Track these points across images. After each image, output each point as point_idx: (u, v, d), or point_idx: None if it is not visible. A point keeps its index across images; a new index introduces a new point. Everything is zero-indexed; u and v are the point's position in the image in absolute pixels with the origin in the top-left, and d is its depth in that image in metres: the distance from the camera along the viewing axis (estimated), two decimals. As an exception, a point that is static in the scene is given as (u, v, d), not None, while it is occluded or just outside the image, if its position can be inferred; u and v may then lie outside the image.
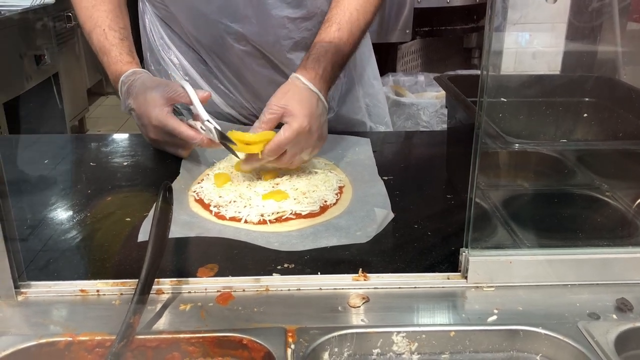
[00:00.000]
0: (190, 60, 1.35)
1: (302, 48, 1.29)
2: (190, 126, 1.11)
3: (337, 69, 1.18)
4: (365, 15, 1.20)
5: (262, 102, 1.32)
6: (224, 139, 1.07)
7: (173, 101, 1.13)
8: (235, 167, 1.12)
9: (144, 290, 0.72)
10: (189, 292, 0.80)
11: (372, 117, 1.50)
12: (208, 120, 1.08)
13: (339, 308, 0.77)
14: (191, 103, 1.11)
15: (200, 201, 1.04)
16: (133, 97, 1.15)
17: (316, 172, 1.12)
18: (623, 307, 0.75)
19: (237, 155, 1.09)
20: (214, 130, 1.07)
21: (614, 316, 0.75)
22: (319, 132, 1.09)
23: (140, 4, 1.38)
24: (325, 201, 1.03)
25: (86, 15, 1.24)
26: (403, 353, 0.72)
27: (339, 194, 1.06)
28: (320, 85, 1.12)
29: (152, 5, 1.34)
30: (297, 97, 1.08)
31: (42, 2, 3.69)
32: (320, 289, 0.81)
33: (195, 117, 1.12)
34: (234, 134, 1.04)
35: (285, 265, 0.85)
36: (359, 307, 0.77)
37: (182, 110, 1.25)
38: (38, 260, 0.87)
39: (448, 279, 0.82)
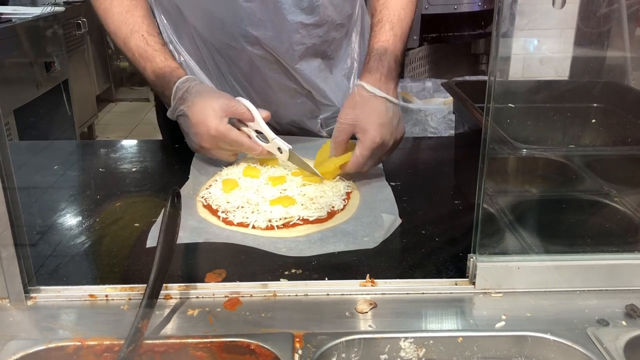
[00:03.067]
0: (199, 64, 1.35)
1: (312, 54, 1.30)
2: (248, 136, 1.15)
3: (398, 65, 1.22)
4: (410, 14, 1.27)
5: (271, 106, 1.33)
6: (293, 161, 1.13)
7: (233, 115, 1.15)
8: (243, 172, 1.13)
9: (152, 295, 0.72)
10: (197, 297, 0.80)
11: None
12: (274, 139, 1.14)
13: (347, 313, 0.77)
14: (252, 120, 1.15)
15: (208, 207, 1.04)
16: (188, 104, 1.16)
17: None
18: (632, 313, 0.75)
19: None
20: (287, 152, 1.13)
21: (623, 322, 0.74)
22: (394, 138, 1.12)
23: (150, 5, 1.39)
24: (333, 207, 1.03)
25: (120, 20, 1.24)
26: (411, 359, 0.72)
27: (346, 200, 1.06)
28: (387, 86, 1.15)
29: (163, 7, 1.35)
30: (365, 108, 1.11)
31: (52, 10, 3.73)
32: (328, 294, 0.81)
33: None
34: (327, 165, 1.10)
35: (293, 271, 0.86)
36: (367, 312, 0.77)
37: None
38: (47, 265, 0.88)
39: (456, 284, 0.82)
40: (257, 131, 1.15)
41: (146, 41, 1.23)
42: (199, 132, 1.15)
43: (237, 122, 1.15)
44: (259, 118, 1.14)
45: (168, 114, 1.22)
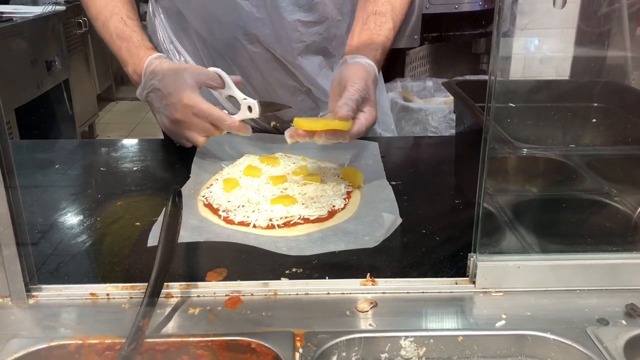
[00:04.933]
0: (199, 64, 1.36)
1: (312, 52, 1.31)
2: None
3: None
4: (404, 16, 1.30)
5: None
6: (266, 111, 1.13)
7: (204, 84, 1.16)
8: (244, 172, 1.13)
9: (154, 294, 0.73)
10: (198, 296, 0.80)
11: (379, 124, 1.50)
12: (245, 99, 1.14)
13: (347, 312, 0.77)
14: (223, 87, 1.16)
15: (209, 206, 1.04)
16: (159, 78, 1.17)
17: (324, 177, 1.13)
18: (632, 312, 0.75)
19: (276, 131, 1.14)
20: (256, 105, 1.13)
21: (623, 322, 0.75)
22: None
23: (150, 6, 1.40)
24: (334, 206, 1.03)
25: (101, 4, 1.27)
26: (411, 358, 0.72)
27: (347, 199, 1.06)
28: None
29: (163, 8, 1.36)
30: (375, 87, 1.14)
31: (53, 8, 3.73)
32: (329, 293, 0.81)
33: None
34: (325, 123, 1.02)
35: (294, 270, 0.86)
36: (367, 311, 0.77)
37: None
38: (49, 264, 0.88)
39: (456, 283, 0.82)
40: (230, 96, 1.17)
41: (125, 23, 1.25)
42: (170, 102, 1.15)
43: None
44: (229, 82, 1.16)
45: (137, 93, 1.23)
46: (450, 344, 0.72)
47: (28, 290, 0.79)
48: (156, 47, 1.39)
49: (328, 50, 1.34)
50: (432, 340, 0.72)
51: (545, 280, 0.81)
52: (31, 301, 0.79)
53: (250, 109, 1.15)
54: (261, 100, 1.16)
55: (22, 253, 0.76)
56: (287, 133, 1.02)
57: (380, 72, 1.51)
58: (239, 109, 1.16)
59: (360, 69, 1.13)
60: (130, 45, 1.23)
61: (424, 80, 3.04)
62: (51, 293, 0.80)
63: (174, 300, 0.79)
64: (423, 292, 0.81)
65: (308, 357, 0.67)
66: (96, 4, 1.28)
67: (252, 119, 1.20)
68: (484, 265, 0.80)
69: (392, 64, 3.05)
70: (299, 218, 0.99)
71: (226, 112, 1.15)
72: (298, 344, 0.69)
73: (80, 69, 4.23)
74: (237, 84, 1.17)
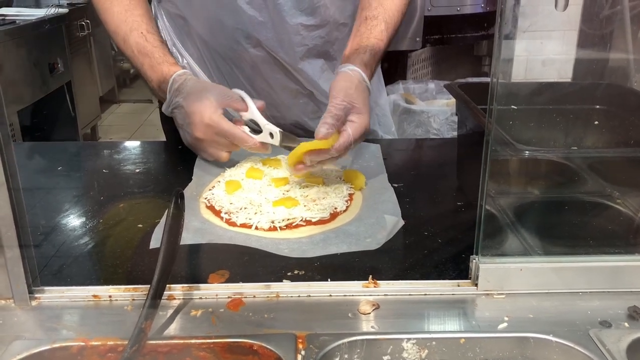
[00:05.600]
0: (202, 66, 1.36)
1: (314, 55, 1.31)
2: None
3: (377, 68, 1.24)
4: (401, 18, 1.28)
5: (274, 108, 1.34)
6: (285, 142, 1.13)
7: (227, 105, 1.16)
8: (246, 174, 1.13)
9: (156, 296, 0.73)
10: (200, 298, 0.80)
11: (380, 126, 1.51)
12: (267, 124, 1.15)
13: (349, 314, 0.77)
14: (245, 110, 1.16)
15: (211, 208, 1.04)
16: (184, 95, 1.16)
17: (326, 179, 1.13)
18: (635, 315, 0.75)
19: None
20: (278, 134, 1.13)
21: (626, 324, 0.74)
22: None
23: (153, 10, 1.40)
24: (336, 208, 1.03)
25: (120, 19, 1.26)
26: (413, 360, 0.72)
27: (349, 201, 1.06)
28: (370, 77, 1.18)
29: (166, 11, 1.36)
30: (360, 93, 1.12)
31: (56, 11, 3.74)
32: (331, 295, 0.81)
33: (242, 123, 1.17)
34: (303, 146, 1.06)
35: (296, 272, 0.86)
36: (369, 313, 0.77)
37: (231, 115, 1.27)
38: (51, 266, 0.88)
39: (458, 286, 0.82)
40: (252, 120, 1.16)
41: (145, 38, 1.24)
42: (193, 121, 1.15)
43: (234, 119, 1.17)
44: (252, 106, 1.16)
45: (163, 108, 1.23)
46: (452, 346, 0.72)
47: (31, 292, 0.79)
48: None
49: (330, 53, 1.34)
50: (434, 343, 0.72)
51: (548, 282, 0.81)
52: (34, 303, 0.79)
53: (271, 135, 1.15)
54: (284, 130, 1.15)
55: (25, 255, 0.76)
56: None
57: (381, 74, 1.51)
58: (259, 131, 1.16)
59: (342, 79, 1.13)
60: (153, 62, 1.22)
61: (426, 82, 3.04)
62: (54, 295, 0.80)
63: (176, 302, 0.79)
64: (425, 294, 0.81)
65: (310, 359, 0.67)
66: (115, 19, 1.26)
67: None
68: (486, 267, 0.80)
69: (394, 66, 3.05)
70: (301, 220, 0.99)
71: (247, 130, 1.15)
72: (300, 346, 0.70)
73: (82, 71, 4.24)
74: (260, 109, 1.16)
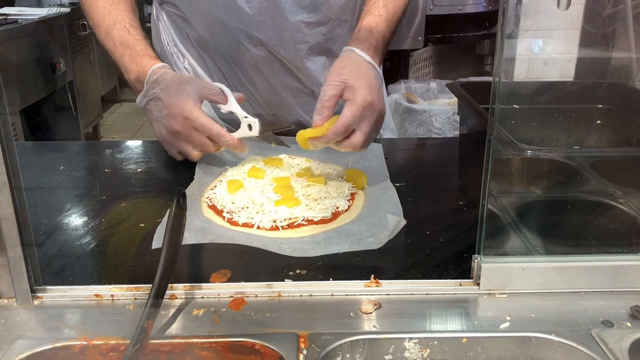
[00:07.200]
0: (203, 67, 1.36)
1: (316, 52, 1.31)
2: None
3: (385, 44, 1.20)
4: (403, 5, 1.26)
5: (276, 107, 1.33)
6: (265, 129, 1.13)
7: (206, 98, 1.15)
8: (248, 173, 1.13)
9: (158, 295, 0.73)
10: (202, 297, 0.80)
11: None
12: (246, 117, 1.14)
13: (351, 314, 0.77)
14: (225, 102, 1.16)
15: (213, 207, 1.04)
16: (163, 87, 1.16)
17: (328, 179, 1.13)
18: (637, 314, 0.75)
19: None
20: (256, 123, 1.13)
21: (628, 324, 0.74)
22: (380, 105, 1.07)
23: (153, 10, 1.40)
24: (337, 207, 1.03)
25: (104, 13, 1.27)
26: (415, 359, 0.72)
27: (350, 201, 1.06)
28: (374, 56, 1.14)
29: (167, 12, 1.36)
30: (355, 70, 1.08)
31: (57, 11, 3.75)
32: (332, 295, 0.81)
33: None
34: (301, 133, 1.05)
35: (298, 271, 0.86)
36: (371, 313, 0.77)
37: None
38: (53, 265, 0.88)
39: (460, 285, 0.82)
40: (231, 112, 1.17)
41: (128, 31, 1.24)
42: (172, 113, 1.14)
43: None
44: (231, 99, 1.16)
45: (137, 100, 1.22)
46: (454, 346, 0.72)
47: (33, 291, 0.79)
48: (160, 51, 1.39)
49: (332, 50, 1.34)
50: (436, 342, 0.72)
51: (550, 282, 0.80)
52: (36, 302, 0.79)
53: (250, 127, 1.15)
54: (263, 118, 1.15)
55: (27, 254, 0.76)
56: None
57: (380, 68, 1.51)
58: (238, 128, 1.17)
59: (336, 63, 1.12)
60: (134, 53, 1.22)
61: (428, 81, 3.04)
62: (56, 294, 0.80)
63: (178, 302, 0.79)
64: (427, 294, 0.81)
65: (312, 359, 0.68)
66: (99, 12, 1.28)
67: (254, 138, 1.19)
68: (488, 266, 0.80)
69: (396, 66, 3.05)
70: (303, 219, 0.99)
71: (226, 129, 1.15)
72: (302, 345, 0.70)
73: (84, 70, 4.24)
74: (239, 102, 1.16)
